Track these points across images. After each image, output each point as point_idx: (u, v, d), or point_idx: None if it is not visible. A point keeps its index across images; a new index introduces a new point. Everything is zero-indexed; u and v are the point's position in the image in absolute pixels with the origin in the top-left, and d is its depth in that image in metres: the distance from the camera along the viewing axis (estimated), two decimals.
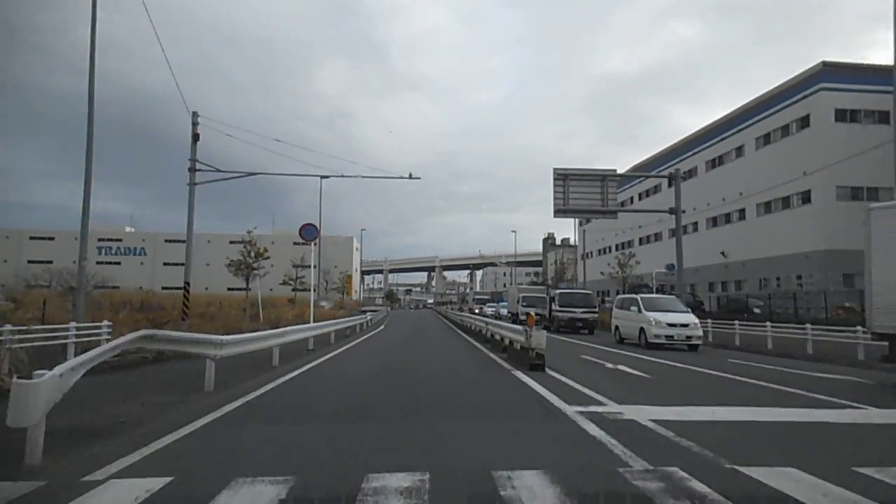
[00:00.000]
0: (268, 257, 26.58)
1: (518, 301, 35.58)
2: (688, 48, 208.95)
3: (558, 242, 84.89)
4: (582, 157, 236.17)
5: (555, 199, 24.17)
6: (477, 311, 49.80)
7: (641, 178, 53.21)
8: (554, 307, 27.30)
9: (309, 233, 18.76)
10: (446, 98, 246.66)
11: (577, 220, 55.57)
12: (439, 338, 21.71)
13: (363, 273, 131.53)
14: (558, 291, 30.77)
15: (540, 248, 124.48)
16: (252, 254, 25.49)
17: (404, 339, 21.08)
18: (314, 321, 17.00)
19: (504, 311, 43.30)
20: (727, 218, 39.80)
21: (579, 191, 24.17)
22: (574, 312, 25.96)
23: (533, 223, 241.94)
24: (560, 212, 24.48)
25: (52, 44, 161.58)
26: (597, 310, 27.22)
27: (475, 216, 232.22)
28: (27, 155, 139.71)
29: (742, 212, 37.91)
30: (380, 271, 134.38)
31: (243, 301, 26.40)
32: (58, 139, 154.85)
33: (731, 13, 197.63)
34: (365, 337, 21.71)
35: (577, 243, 67.01)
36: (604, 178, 24.42)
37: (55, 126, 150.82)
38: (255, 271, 25.61)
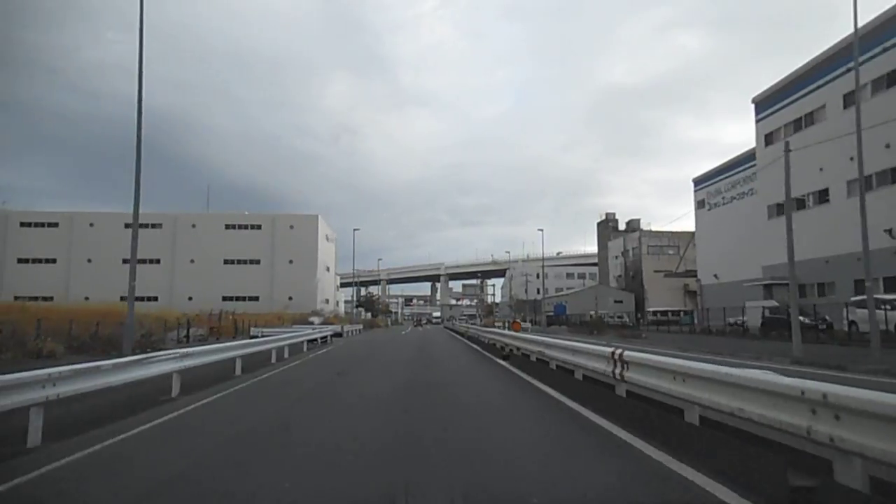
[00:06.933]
0: None
1: None
2: (690, 59, 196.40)
3: (622, 227, 65.15)
4: (586, 169, 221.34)
5: None
6: None
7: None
8: None
9: None
10: (451, 111, 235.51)
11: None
12: None
13: (358, 285, 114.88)
14: None
15: (552, 253, 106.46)
16: None
17: None
18: None
19: None
20: None
21: None
22: None
23: (537, 236, 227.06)
24: None
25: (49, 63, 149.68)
26: None
27: (479, 229, 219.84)
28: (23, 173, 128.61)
29: None
30: (377, 282, 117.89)
31: None
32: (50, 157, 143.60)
33: (733, 24, 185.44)
34: None
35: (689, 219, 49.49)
36: None
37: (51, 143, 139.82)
38: None
